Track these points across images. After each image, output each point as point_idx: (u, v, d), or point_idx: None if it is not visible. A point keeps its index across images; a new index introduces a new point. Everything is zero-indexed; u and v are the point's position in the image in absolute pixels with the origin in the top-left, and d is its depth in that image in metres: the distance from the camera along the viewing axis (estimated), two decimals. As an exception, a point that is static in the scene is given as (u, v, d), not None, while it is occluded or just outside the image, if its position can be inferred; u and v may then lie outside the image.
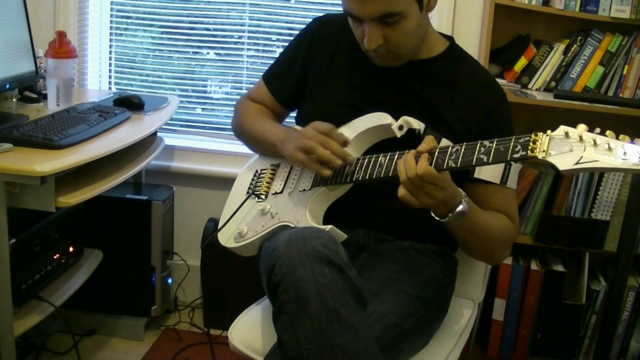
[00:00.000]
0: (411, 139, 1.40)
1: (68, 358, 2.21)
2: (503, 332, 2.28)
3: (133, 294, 2.37)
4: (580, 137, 1.11)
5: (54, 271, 2.01)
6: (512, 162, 1.23)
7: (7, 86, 1.98)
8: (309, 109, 1.63)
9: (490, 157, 1.20)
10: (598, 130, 1.11)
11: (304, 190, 1.48)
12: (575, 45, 2.16)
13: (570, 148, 1.11)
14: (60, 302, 1.93)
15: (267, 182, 1.60)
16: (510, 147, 1.18)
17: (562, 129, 1.14)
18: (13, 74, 2.00)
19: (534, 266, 2.23)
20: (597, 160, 1.08)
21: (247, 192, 1.63)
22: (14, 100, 2.08)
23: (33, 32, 2.12)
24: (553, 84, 2.19)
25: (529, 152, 1.15)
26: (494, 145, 1.21)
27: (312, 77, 1.64)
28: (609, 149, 1.08)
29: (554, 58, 2.17)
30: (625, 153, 1.07)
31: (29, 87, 2.21)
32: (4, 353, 1.71)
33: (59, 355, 2.23)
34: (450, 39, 1.60)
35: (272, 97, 1.72)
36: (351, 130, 1.50)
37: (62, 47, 2.05)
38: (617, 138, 1.10)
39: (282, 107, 1.73)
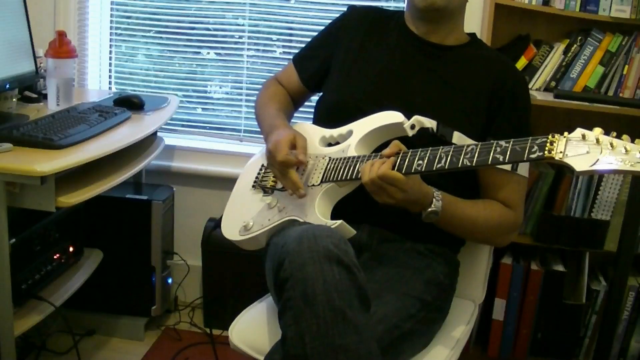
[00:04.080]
0: (423, 137, 1.42)
1: (68, 358, 2.21)
2: (503, 332, 2.28)
3: (133, 294, 2.37)
4: (597, 140, 1.12)
5: (54, 271, 2.01)
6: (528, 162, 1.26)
7: (7, 86, 1.98)
8: (337, 90, 1.67)
9: (507, 157, 1.23)
10: (614, 134, 1.12)
11: (313, 185, 1.48)
12: (575, 45, 2.16)
13: (587, 150, 1.13)
14: (60, 302, 1.93)
15: (274, 177, 1.59)
16: (527, 148, 1.21)
17: (579, 131, 1.16)
18: (13, 74, 2.00)
19: (534, 266, 2.23)
20: (613, 163, 1.09)
21: (253, 186, 1.63)
22: (14, 100, 2.08)
23: (33, 32, 2.12)
24: (553, 83, 2.19)
25: (545, 152, 1.17)
26: (510, 145, 1.23)
27: (337, 61, 1.69)
28: (626, 151, 1.09)
29: (554, 58, 2.17)
30: None
31: (29, 87, 2.21)
32: (4, 353, 1.70)
33: (59, 355, 2.23)
34: (472, 34, 1.71)
35: (298, 77, 1.78)
36: (362, 127, 1.51)
37: (62, 47, 2.05)
38: (632, 142, 1.11)
39: (305, 88, 1.79)
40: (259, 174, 1.66)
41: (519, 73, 1.69)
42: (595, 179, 2.15)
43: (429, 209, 1.40)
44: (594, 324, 2.25)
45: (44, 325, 2.20)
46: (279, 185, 1.56)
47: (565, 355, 2.27)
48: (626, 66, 2.14)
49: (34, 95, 2.20)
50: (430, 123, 1.43)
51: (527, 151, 1.20)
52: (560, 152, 1.15)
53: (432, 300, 1.46)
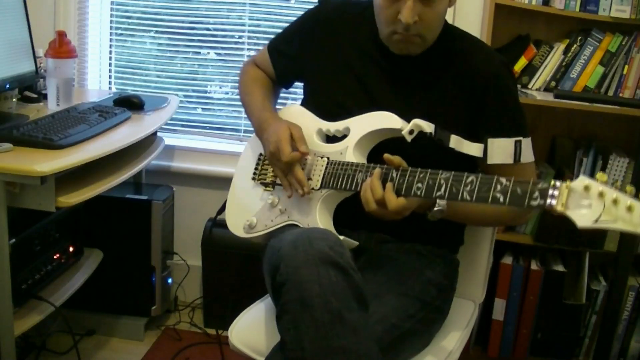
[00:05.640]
0: (420, 140, 1.40)
1: (68, 358, 2.21)
2: (503, 332, 2.28)
3: (133, 294, 2.37)
4: (600, 194, 1.09)
5: (54, 271, 2.01)
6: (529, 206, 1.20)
7: (7, 86, 1.98)
8: (317, 98, 1.62)
9: (507, 199, 1.20)
10: (619, 183, 1.09)
11: (312, 189, 1.47)
12: (575, 45, 2.16)
13: (590, 204, 1.10)
14: (60, 302, 1.93)
15: (273, 171, 1.57)
16: (528, 192, 1.18)
17: (581, 181, 1.12)
18: (13, 74, 2.00)
19: (534, 266, 2.23)
20: (616, 222, 1.07)
21: (253, 178, 1.62)
22: (14, 100, 2.07)
23: (33, 32, 2.12)
24: (553, 83, 2.19)
25: (547, 200, 1.15)
26: (511, 185, 1.20)
27: (313, 66, 1.62)
28: (629, 210, 1.06)
29: (554, 58, 2.17)
30: None
31: (29, 87, 2.21)
32: (4, 353, 1.71)
33: (59, 355, 2.22)
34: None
35: (273, 72, 1.74)
36: (360, 127, 1.48)
37: (62, 47, 2.05)
38: (636, 194, 1.07)
39: (278, 83, 1.76)
40: (257, 164, 1.63)
41: (497, 58, 1.52)
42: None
43: (435, 209, 1.38)
44: (594, 324, 2.25)
45: (44, 325, 2.20)
46: (279, 181, 1.54)
47: (565, 355, 2.27)
48: (626, 66, 2.14)
49: (34, 95, 2.20)
50: (429, 127, 1.40)
51: (527, 196, 1.18)
52: (562, 204, 1.13)
53: (431, 301, 1.46)
